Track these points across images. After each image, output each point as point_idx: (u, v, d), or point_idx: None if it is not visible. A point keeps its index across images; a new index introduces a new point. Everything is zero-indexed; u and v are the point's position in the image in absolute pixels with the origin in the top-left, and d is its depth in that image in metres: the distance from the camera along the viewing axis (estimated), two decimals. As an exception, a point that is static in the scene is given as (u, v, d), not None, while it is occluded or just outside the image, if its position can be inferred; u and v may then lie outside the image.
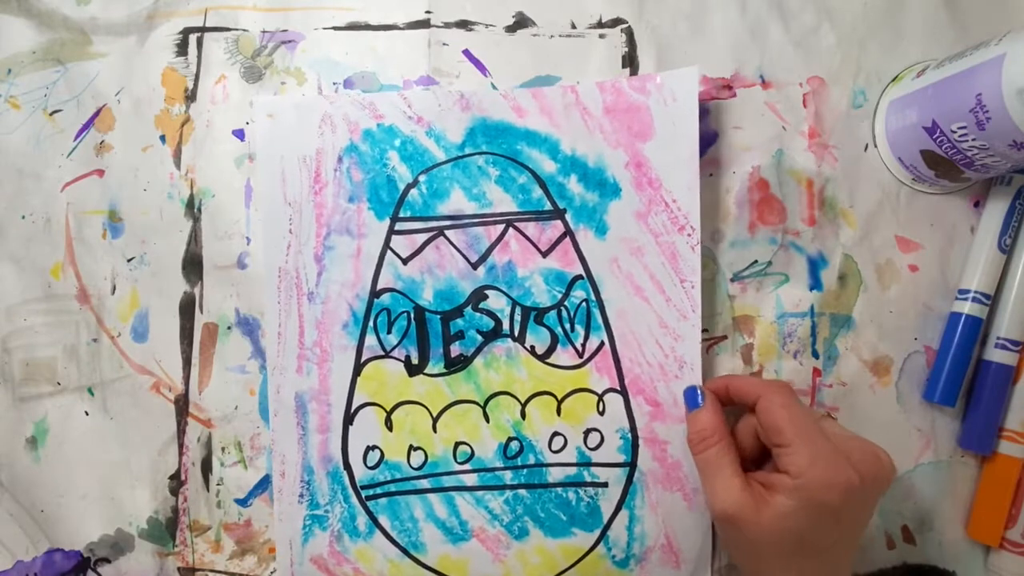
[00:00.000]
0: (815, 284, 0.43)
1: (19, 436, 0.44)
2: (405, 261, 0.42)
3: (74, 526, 0.44)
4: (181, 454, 0.43)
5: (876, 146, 0.43)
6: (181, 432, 0.43)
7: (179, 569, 0.44)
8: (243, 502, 0.43)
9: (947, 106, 0.37)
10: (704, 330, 0.43)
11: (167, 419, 0.43)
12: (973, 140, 0.36)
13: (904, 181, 0.43)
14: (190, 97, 0.43)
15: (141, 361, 0.43)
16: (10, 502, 0.44)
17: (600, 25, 0.43)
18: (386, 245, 0.42)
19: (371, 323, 0.42)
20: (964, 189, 0.43)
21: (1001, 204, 0.42)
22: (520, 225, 0.42)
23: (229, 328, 0.43)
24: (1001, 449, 0.42)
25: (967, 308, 0.42)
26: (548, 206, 0.42)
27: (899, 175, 0.43)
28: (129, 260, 0.43)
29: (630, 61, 0.43)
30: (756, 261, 0.43)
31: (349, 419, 0.42)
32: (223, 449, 0.43)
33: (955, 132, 0.37)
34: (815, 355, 0.43)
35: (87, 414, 0.43)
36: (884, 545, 0.43)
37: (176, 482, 0.44)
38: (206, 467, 0.43)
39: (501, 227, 0.42)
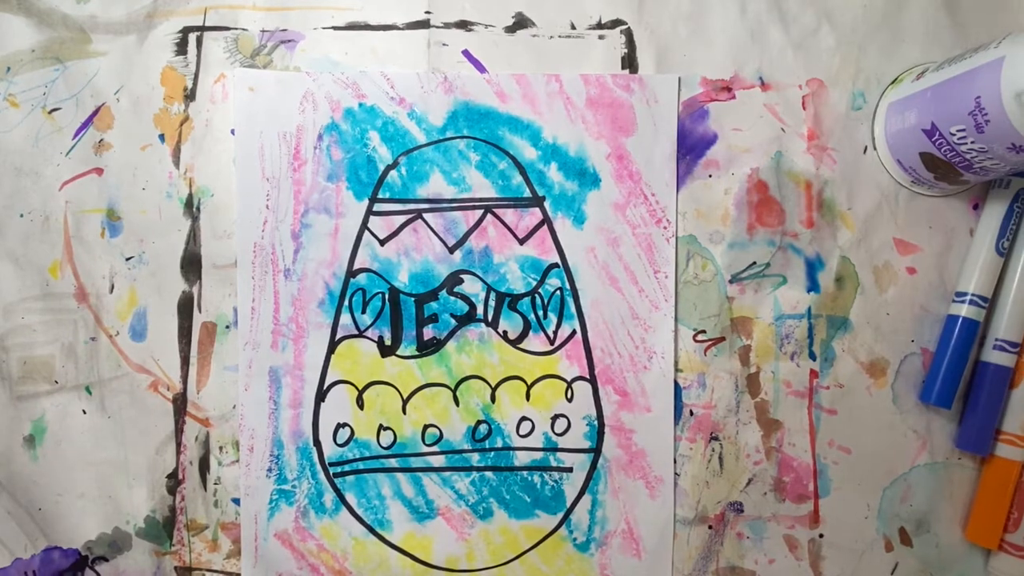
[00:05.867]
0: (812, 286, 0.43)
1: (17, 435, 0.44)
2: (382, 242, 0.42)
3: (72, 524, 0.44)
4: (179, 453, 0.43)
5: (875, 148, 0.43)
6: (179, 431, 0.43)
7: (176, 568, 0.44)
8: (240, 501, 0.43)
9: (946, 109, 0.37)
10: (702, 331, 0.43)
11: (165, 418, 0.43)
12: (972, 143, 0.36)
13: (903, 183, 0.43)
14: (189, 96, 0.43)
15: (139, 360, 0.43)
16: (8, 501, 0.44)
17: (599, 26, 0.43)
18: (364, 225, 0.43)
19: (346, 302, 0.43)
20: (963, 192, 0.43)
21: (999, 207, 0.42)
22: (499, 211, 0.42)
23: (227, 327, 0.43)
24: (999, 452, 0.42)
25: (964, 311, 0.42)
26: (527, 193, 0.42)
27: (898, 177, 0.43)
28: (128, 259, 0.43)
29: (629, 62, 0.43)
30: (754, 263, 0.43)
31: (321, 396, 0.43)
32: (221, 448, 0.43)
33: (954, 135, 0.37)
34: (812, 357, 0.43)
35: (85, 413, 0.44)
36: (882, 547, 0.43)
37: (174, 481, 0.44)
38: (204, 466, 0.43)
39: (479, 212, 0.42)
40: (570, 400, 0.43)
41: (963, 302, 0.42)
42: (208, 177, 0.43)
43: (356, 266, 0.43)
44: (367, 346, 0.43)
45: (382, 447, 0.43)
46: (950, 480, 0.43)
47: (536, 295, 0.43)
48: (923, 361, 0.43)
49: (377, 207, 0.43)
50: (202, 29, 0.44)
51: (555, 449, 0.43)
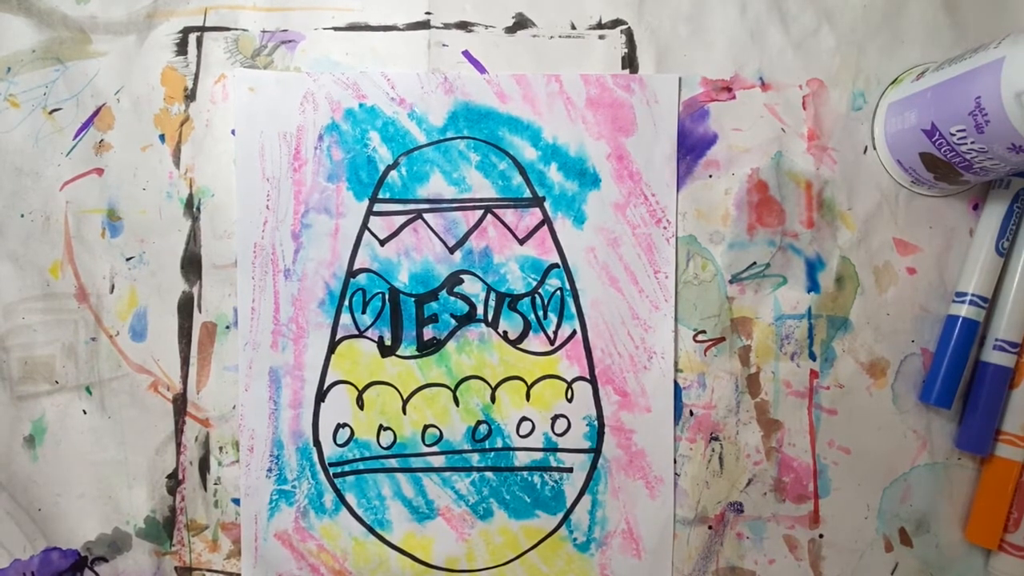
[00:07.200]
0: (812, 286, 0.43)
1: (17, 435, 0.44)
2: (382, 242, 0.42)
3: (71, 525, 0.44)
4: (179, 453, 0.43)
5: (875, 148, 0.43)
6: (179, 431, 0.43)
7: (176, 568, 0.44)
8: (240, 502, 0.43)
9: (946, 109, 0.37)
10: (702, 331, 0.43)
11: (165, 418, 0.43)
12: (972, 143, 0.37)
13: (903, 184, 0.43)
14: (189, 96, 0.43)
15: (139, 360, 0.43)
16: (7, 501, 0.44)
17: (600, 26, 0.43)
18: (364, 226, 0.43)
19: (346, 302, 0.43)
20: (963, 192, 0.43)
21: (999, 207, 0.42)
22: (499, 211, 0.42)
23: (227, 328, 0.43)
24: (999, 452, 0.42)
25: (964, 311, 0.42)
26: (527, 193, 0.42)
27: (898, 178, 0.43)
28: (128, 259, 0.43)
29: (630, 62, 0.43)
30: (755, 263, 0.43)
31: (321, 396, 0.43)
32: (221, 448, 0.43)
33: (954, 135, 0.37)
34: (812, 357, 0.43)
35: (85, 413, 0.44)
36: (882, 548, 0.43)
37: (173, 481, 0.44)
38: (204, 466, 0.43)
39: (479, 213, 0.42)
40: (570, 400, 0.43)
41: (963, 302, 0.42)
42: (208, 177, 0.43)
43: (356, 266, 0.43)
44: (367, 346, 0.43)
45: (382, 447, 0.43)
46: (950, 480, 0.43)
47: (536, 295, 0.43)
48: (923, 361, 0.43)
49: (377, 207, 0.43)
50: (202, 29, 0.44)
51: (555, 449, 0.43)
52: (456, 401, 0.43)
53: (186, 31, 0.44)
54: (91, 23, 0.44)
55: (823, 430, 0.43)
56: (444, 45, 0.43)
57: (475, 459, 0.43)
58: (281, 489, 0.43)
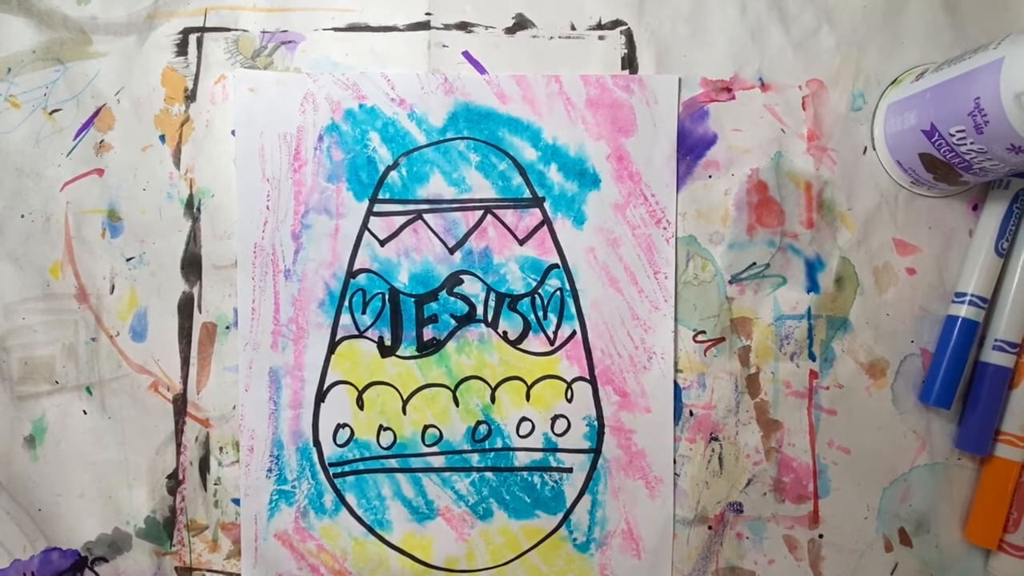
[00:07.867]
0: (812, 287, 0.43)
1: (17, 435, 0.44)
2: (382, 243, 0.43)
3: (72, 525, 0.44)
4: (179, 453, 0.44)
5: (875, 149, 0.43)
6: (179, 431, 0.43)
7: (176, 568, 0.44)
8: (240, 502, 0.43)
9: (945, 109, 0.37)
10: (701, 332, 0.43)
11: (165, 418, 0.43)
12: (971, 144, 0.37)
13: (902, 184, 0.43)
14: (190, 97, 0.43)
15: (139, 360, 0.43)
16: (8, 501, 0.44)
17: (600, 27, 0.43)
18: (364, 226, 0.43)
19: (346, 303, 0.43)
20: (962, 192, 0.43)
21: (999, 208, 0.42)
22: (498, 212, 0.43)
23: (227, 328, 0.43)
24: (999, 452, 0.42)
25: (963, 311, 0.42)
26: (527, 194, 0.43)
27: (897, 178, 0.43)
28: (128, 259, 0.44)
29: (629, 63, 0.43)
30: (754, 263, 0.43)
31: (321, 396, 0.43)
32: (221, 449, 0.43)
33: (953, 136, 0.37)
34: (812, 357, 0.43)
35: (85, 413, 0.44)
36: (882, 548, 0.43)
37: (174, 481, 0.44)
38: (204, 466, 0.43)
39: (479, 213, 0.43)
40: (570, 400, 0.43)
41: (962, 303, 0.42)
42: (208, 178, 0.43)
43: (356, 267, 0.43)
44: (367, 346, 0.43)
45: (382, 447, 0.43)
46: (950, 480, 0.43)
47: (536, 296, 0.43)
48: (923, 362, 0.43)
49: (377, 208, 0.43)
50: (202, 30, 0.44)
51: (555, 449, 0.43)
52: (456, 401, 0.43)
53: (186, 32, 0.44)
54: (91, 24, 0.44)
55: (823, 430, 0.43)
56: (444, 46, 0.43)
57: (475, 459, 0.43)
58: (281, 489, 0.43)
